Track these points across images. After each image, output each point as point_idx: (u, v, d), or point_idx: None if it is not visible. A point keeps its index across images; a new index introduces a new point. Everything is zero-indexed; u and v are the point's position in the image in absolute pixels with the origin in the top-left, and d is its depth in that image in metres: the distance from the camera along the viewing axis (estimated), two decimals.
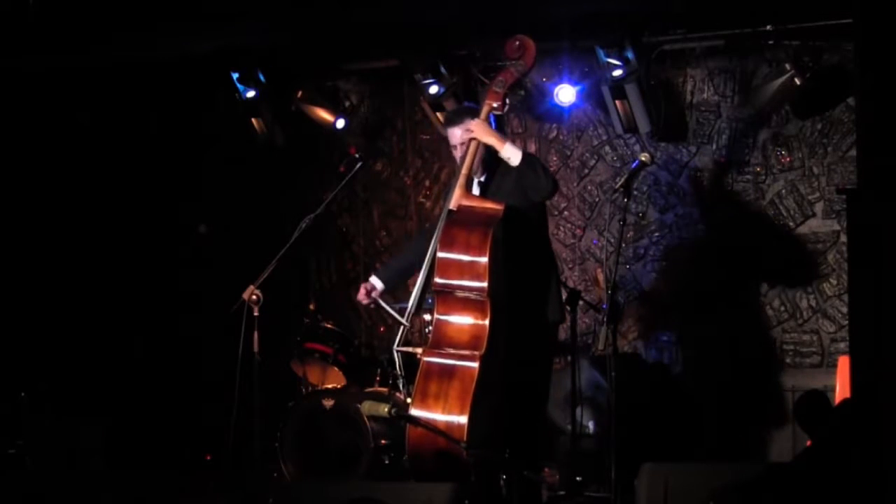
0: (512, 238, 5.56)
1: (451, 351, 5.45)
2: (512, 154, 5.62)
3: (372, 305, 6.12)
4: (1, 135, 7.56)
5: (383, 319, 7.81)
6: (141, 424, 7.55)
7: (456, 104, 7.23)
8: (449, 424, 5.31)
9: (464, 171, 5.67)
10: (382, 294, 6.06)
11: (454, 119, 5.89)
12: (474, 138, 5.68)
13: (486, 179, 5.81)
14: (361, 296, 6.04)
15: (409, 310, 5.78)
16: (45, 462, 7.02)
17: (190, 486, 6.43)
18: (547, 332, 5.93)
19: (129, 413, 7.55)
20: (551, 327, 5.96)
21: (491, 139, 5.66)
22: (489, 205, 5.59)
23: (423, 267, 5.73)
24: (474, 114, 5.81)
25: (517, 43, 5.80)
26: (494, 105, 5.76)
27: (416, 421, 5.39)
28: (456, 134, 5.82)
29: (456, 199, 5.62)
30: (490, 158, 5.76)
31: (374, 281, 6.06)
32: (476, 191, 5.82)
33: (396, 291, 6.49)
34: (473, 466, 5.22)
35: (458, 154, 5.83)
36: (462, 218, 5.57)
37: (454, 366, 5.43)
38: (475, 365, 5.39)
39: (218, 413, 6.54)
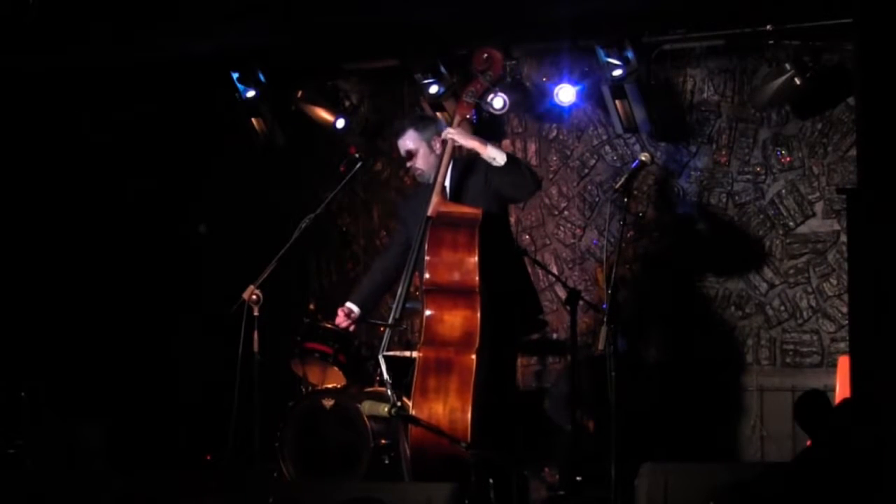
0: (484, 239, 5.63)
1: (447, 346, 5.52)
2: (496, 155, 5.70)
3: (351, 328, 6.18)
4: (1, 135, 7.56)
5: (383, 319, 7.79)
6: (141, 424, 7.54)
7: (455, 104, 7.24)
8: (452, 418, 5.35)
9: (439, 178, 5.78)
10: (361, 317, 6.14)
11: (398, 131, 6.02)
12: (455, 142, 5.77)
13: (451, 182, 5.88)
14: (341, 319, 6.11)
15: (392, 314, 5.83)
16: (45, 462, 7.02)
17: (190, 486, 6.43)
18: (515, 330, 6.01)
19: (129, 413, 7.55)
20: (520, 324, 6.07)
21: (472, 143, 5.76)
22: (466, 209, 5.70)
23: (404, 275, 5.82)
24: (418, 121, 6.00)
25: (485, 55, 5.95)
26: (467, 116, 5.96)
27: (416, 421, 5.40)
28: (404, 143, 5.95)
29: (434, 206, 5.72)
30: (454, 161, 5.86)
31: (351, 305, 6.14)
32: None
33: (374, 312, 6.46)
34: (473, 466, 5.23)
35: (409, 164, 5.98)
36: (445, 221, 5.66)
37: (451, 359, 5.49)
38: (472, 357, 5.46)
39: (218, 413, 6.53)
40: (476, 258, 5.54)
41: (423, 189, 6.04)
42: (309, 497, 5.26)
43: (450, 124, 6.01)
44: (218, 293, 6.58)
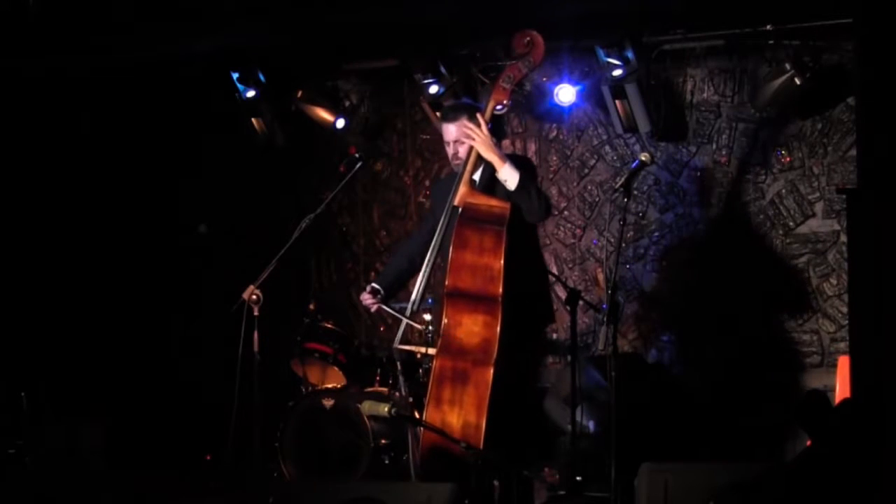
0: (510, 238, 5.48)
1: (464, 355, 5.38)
2: (509, 177, 5.52)
3: (374, 308, 5.98)
4: (1, 136, 7.56)
5: (383, 319, 7.81)
6: (141, 424, 7.55)
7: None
8: (466, 433, 5.27)
9: (468, 167, 5.60)
10: (383, 300, 5.95)
11: (452, 115, 5.76)
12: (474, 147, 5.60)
13: (481, 176, 5.72)
14: (367, 297, 5.91)
15: (409, 308, 5.72)
16: (45, 462, 7.02)
17: (190, 486, 6.44)
18: (534, 334, 5.92)
19: (129, 413, 7.55)
20: (538, 329, 5.98)
21: (493, 157, 5.56)
22: (495, 203, 5.50)
23: (425, 265, 5.66)
24: (472, 111, 5.71)
25: (527, 39, 5.67)
26: (504, 101, 5.68)
27: (416, 421, 5.38)
28: (451, 130, 5.70)
29: (461, 197, 5.53)
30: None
31: (376, 286, 5.96)
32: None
33: (397, 296, 6.43)
34: (474, 467, 5.21)
35: (450, 150, 5.75)
36: (471, 216, 5.46)
37: (468, 371, 5.37)
38: (490, 371, 5.33)
39: (218, 413, 6.53)
40: (501, 263, 5.35)
41: (454, 177, 5.90)
42: (309, 497, 5.25)
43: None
44: (218, 293, 6.58)
